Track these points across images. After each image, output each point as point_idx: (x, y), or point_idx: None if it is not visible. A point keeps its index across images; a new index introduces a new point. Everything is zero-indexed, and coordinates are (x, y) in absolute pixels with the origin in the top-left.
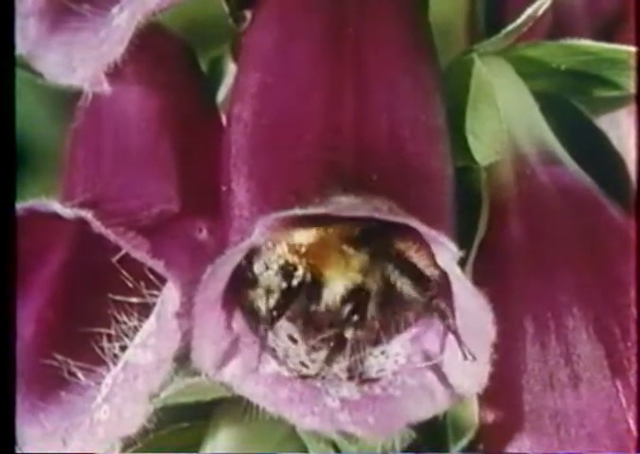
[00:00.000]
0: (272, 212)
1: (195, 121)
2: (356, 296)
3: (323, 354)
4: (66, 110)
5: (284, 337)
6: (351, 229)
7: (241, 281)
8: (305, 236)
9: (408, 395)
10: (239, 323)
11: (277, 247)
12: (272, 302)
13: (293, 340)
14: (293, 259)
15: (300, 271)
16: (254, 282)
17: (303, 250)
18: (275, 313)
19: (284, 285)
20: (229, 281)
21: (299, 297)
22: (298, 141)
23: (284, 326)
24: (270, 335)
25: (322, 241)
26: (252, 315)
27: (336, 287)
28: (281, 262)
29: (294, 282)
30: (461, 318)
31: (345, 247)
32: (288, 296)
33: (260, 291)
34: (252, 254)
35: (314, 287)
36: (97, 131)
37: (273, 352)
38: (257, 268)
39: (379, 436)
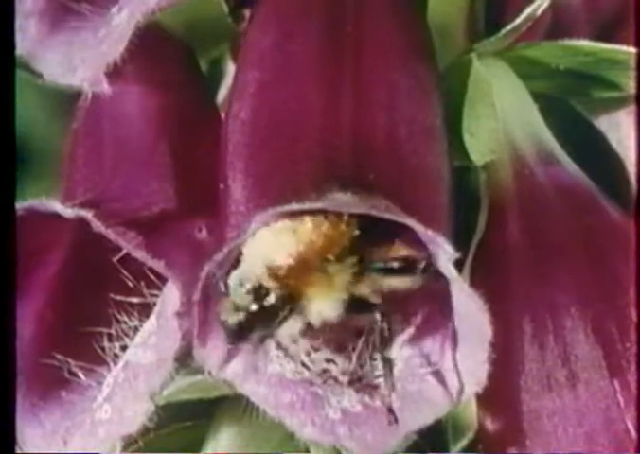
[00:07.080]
0: (268, 207)
1: (195, 121)
2: (367, 310)
3: (323, 355)
4: (66, 110)
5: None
6: (340, 239)
7: (215, 287)
8: (284, 257)
9: (408, 405)
10: None
11: (256, 267)
12: (238, 319)
13: (293, 341)
14: (269, 283)
15: (272, 297)
16: (226, 293)
17: (282, 273)
18: (242, 332)
19: (253, 307)
20: None
21: (273, 319)
22: (296, 139)
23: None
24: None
25: (303, 262)
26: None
27: (321, 306)
28: (255, 284)
29: (265, 303)
30: (458, 319)
31: (327, 265)
32: (256, 318)
33: (229, 305)
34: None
35: (295, 307)
36: (97, 131)
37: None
38: (233, 280)
39: (375, 452)
